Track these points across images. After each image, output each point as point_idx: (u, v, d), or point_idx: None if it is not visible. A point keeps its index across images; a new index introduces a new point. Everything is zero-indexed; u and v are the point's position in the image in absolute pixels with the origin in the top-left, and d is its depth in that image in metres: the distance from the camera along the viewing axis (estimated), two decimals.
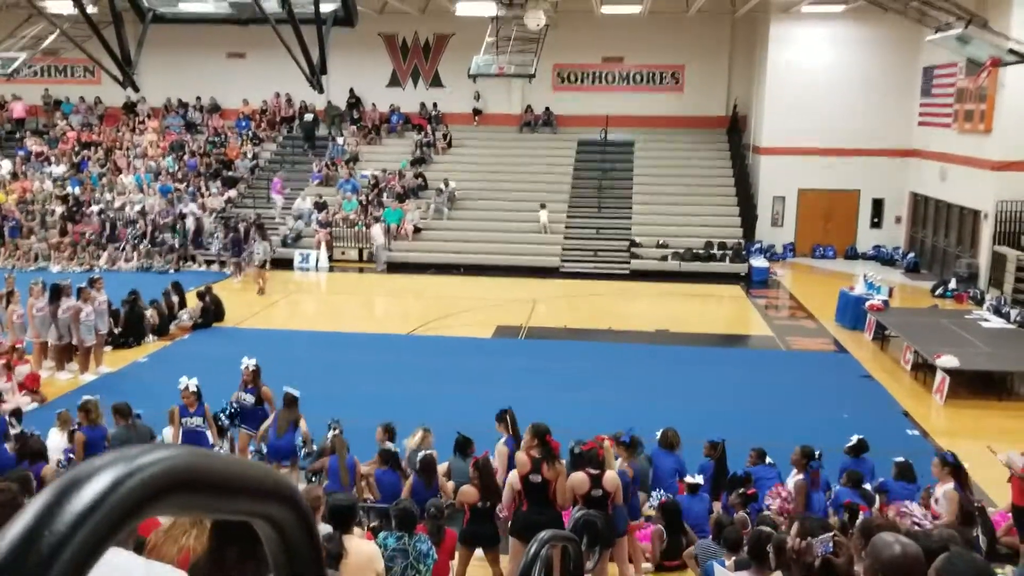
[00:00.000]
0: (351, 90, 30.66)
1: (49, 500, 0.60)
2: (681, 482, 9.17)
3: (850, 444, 9.85)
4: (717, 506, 8.95)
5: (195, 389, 9.86)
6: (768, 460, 9.69)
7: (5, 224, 25.66)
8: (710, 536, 7.79)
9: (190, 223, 25.28)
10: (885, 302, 18.38)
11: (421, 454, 8.82)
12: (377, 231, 25.34)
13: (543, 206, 26.31)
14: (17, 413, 10.47)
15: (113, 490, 0.60)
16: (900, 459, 9.46)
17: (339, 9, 8.51)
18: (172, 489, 0.64)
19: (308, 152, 30.31)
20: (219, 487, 0.70)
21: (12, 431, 9.54)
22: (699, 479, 9.10)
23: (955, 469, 8.37)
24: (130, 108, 31.75)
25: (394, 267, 25.17)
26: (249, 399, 10.41)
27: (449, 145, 30.03)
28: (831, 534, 4.08)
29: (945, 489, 8.16)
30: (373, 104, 31.18)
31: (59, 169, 29.36)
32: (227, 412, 10.47)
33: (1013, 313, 18.43)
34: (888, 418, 13.36)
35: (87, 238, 25.10)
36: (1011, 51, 15.43)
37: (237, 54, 30.76)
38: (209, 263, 24.68)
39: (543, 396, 13.62)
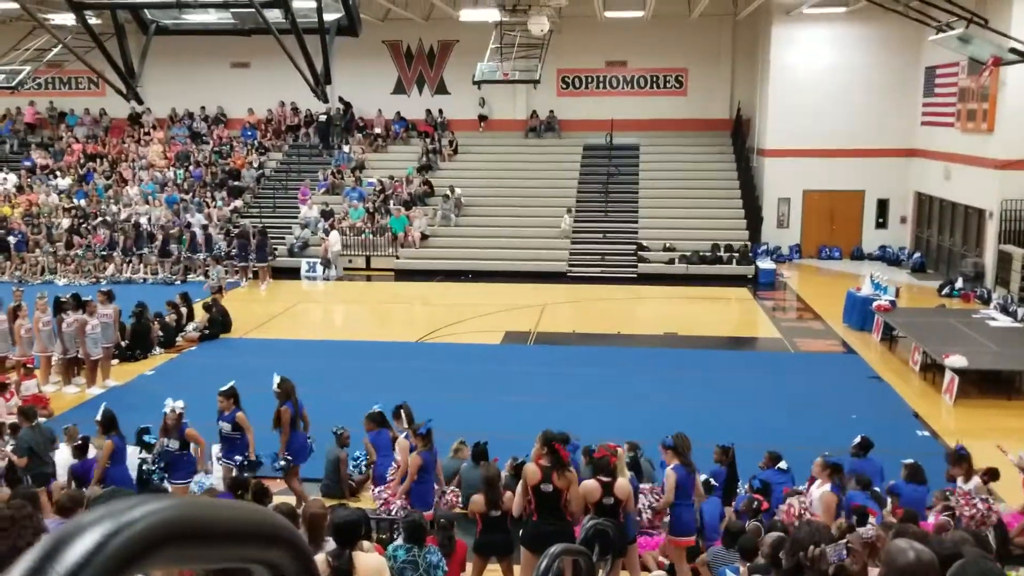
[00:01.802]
0: (339, 97, 30.59)
1: (34, 563, 0.57)
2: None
3: (855, 444, 9.80)
4: (729, 511, 8.89)
5: (179, 412, 9.55)
6: (781, 465, 9.63)
7: (11, 238, 25.70)
8: (720, 541, 7.76)
9: (197, 233, 25.31)
10: (892, 302, 18.31)
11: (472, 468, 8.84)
12: (335, 238, 25.32)
13: (569, 211, 26.51)
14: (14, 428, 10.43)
15: (100, 550, 0.57)
16: (910, 460, 9.39)
17: (343, 18, 8.50)
18: (163, 543, 0.62)
19: (323, 153, 30.32)
20: (213, 536, 0.67)
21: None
22: (712, 481, 9.05)
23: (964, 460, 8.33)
24: (135, 119, 31.85)
25: (402, 274, 25.17)
26: (174, 444, 9.64)
27: (455, 152, 30.05)
28: (845, 541, 4.04)
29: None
30: (379, 110, 31.21)
31: (65, 182, 29.45)
32: (155, 464, 9.75)
33: (1020, 311, 18.35)
34: (898, 419, 13.30)
35: (93, 250, 25.13)
36: (1012, 50, 15.36)
37: (241, 64, 30.85)
38: (235, 273, 24.65)
39: (553, 402, 13.62)
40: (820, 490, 8.16)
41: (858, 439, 9.74)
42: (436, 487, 9.19)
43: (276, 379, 9.95)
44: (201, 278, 24.32)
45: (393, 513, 8.69)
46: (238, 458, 9.46)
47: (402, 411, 9.75)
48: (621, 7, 25.86)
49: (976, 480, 8.63)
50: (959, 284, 21.95)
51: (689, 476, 7.84)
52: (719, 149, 29.27)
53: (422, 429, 8.93)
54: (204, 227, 25.67)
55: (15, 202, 28.12)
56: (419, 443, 8.87)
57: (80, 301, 14.82)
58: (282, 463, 9.58)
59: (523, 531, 7.22)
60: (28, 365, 14.00)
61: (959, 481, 8.81)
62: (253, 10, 7.44)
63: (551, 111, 30.62)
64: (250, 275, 24.20)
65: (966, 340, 15.49)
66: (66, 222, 26.64)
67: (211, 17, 8.58)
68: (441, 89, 31.38)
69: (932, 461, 9.93)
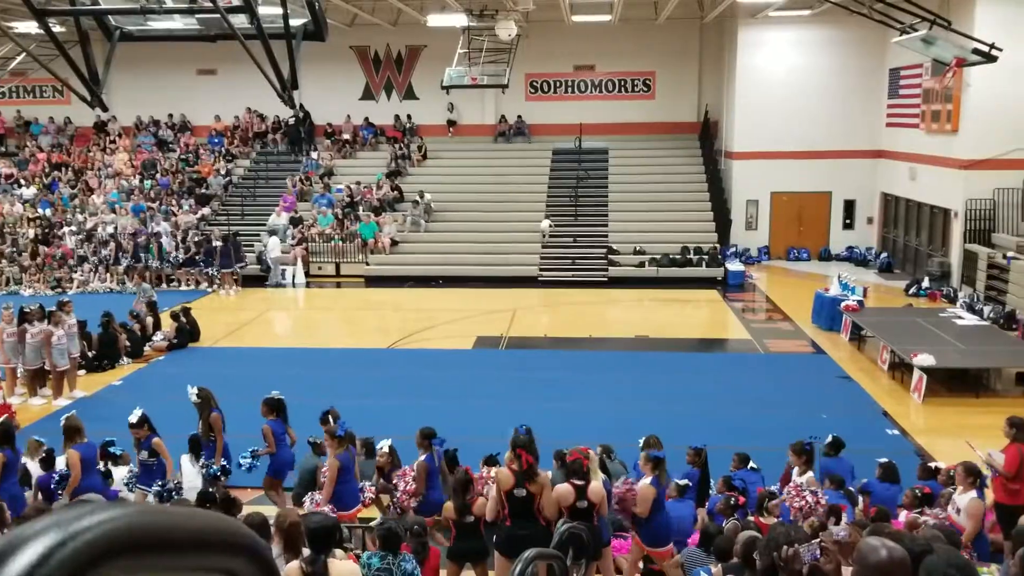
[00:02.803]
0: (299, 105, 30.38)
1: None
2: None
3: (827, 443, 9.85)
4: (702, 513, 8.91)
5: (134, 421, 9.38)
6: (752, 465, 9.68)
7: None
8: (694, 543, 7.77)
9: (165, 242, 25.04)
10: (860, 302, 18.51)
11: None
12: (273, 243, 25.19)
13: (547, 216, 26.65)
14: None
15: (44, 562, 0.54)
16: (884, 460, 9.46)
17: (309, 23, 8.46)
18: (115, 554, 0.58)
19: (293, 153, 30.10)
20: (167, 545, 0.64)
21: None
22: (686, 482, 9.06)
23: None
24: (101, 127, 31.48)
25: (372, 280, 25.07)
26: (143, 455, 9.42)
27: (424, 157, 29.99)
28: (818, 540, 4.06)
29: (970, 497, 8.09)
30: (348, 116, 31.08)
31: (29, 191, 29.03)
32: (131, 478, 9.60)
33: (986, 310, 18.64)
34: (867, 418, 13.42)
35: (59, 260, 24.78)
36: (975, 51, 15.62)
37: (208, 70, 30.60)
38: (197, 282, 24.41)
39: (525, 406, 13.56)
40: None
41: (829, 438, 9.80)
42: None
43: (194, 390, 9.84)
44: (172, 287, 24.10)
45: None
46: (156, 487, 9.19)
47: (330, 416, 9.64)
48: (588, 11, 25.96)
49: (809, 474, 8.66)
50: (926, 283, 22.23)
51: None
52: (687, 152, 29.44)
53: (339, 431, 8.93)
54: (172, 235, 25.45)
55: None
56: (336, 445, 8.81)
57: (45, 312, 14.61)
58: (216, 469, 9.39)
59: (497, 536, 7.20)
60: None
61: (795, 472, 8.89)
62: (219, 16, 7.37)
63: (520, 116, 30.65)
64: (218, 283, 24.00)
65: (933, 339, 15.68)
66: (31, 232, 26.25)
67: (176, 23, 8.49)
68: (409, 94, 31.32)
69: (902, 460, 10.02)
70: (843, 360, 16.65)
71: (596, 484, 6.83)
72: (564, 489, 6.84)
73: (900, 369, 15.24)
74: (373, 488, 9.21)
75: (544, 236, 26.14)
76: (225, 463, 9.57)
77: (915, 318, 17.81)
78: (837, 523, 7.20)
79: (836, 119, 26.81)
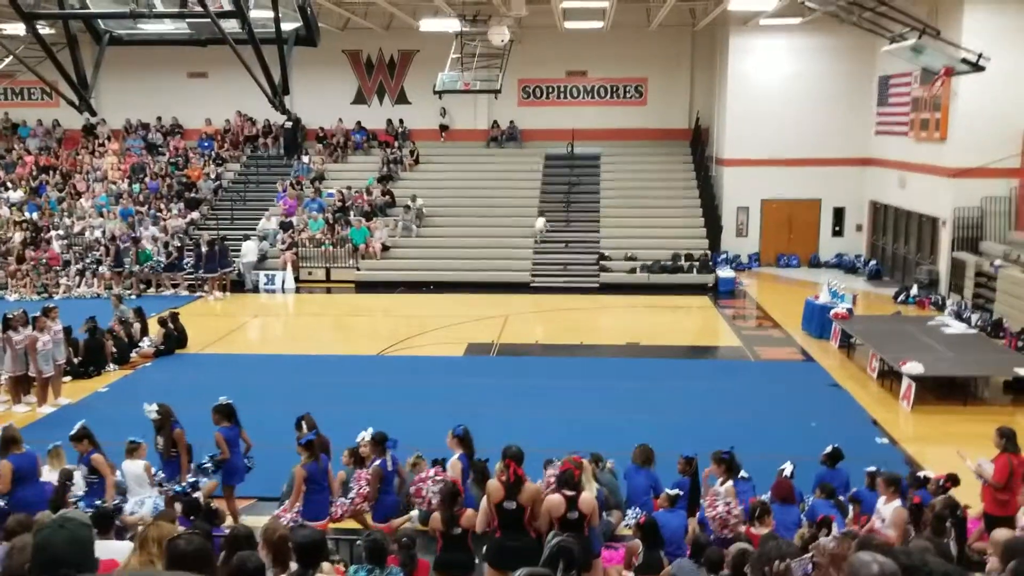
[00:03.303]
0: (291, 112, 30.26)
1: None
2: (656, 498, 9.10)
3: (826, 453, 9.84)
4: (693, 522, 8.88)
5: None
6: (743, 474, 9.64)
7: None
8: (686, 554, 7.74)
9: (148, 246, 24.89)
10: (850, 310, 18.54)
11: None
12: (248, 247, 25.16)
13: (542, 214, 26.77)
14: None
15: None
16: (872, 468, 9.47)
17: (301, 28, 8.41)
18: None
19: (284, 157, 29.97)
20: None
21: None
22: (677, 492, 9.03)
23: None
24: (89, 130, 31.31)
25: (363, 286, 24.99)
26: (83, 471, 9.37)
27: (416, 162, 29.95)
28: (810, 555, 4.03)
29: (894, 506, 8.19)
30: (340, 119, 31.02)
31: (16, 195, 28.83)
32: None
33: (974, 318, 18.69)
34: (857, 426, 13.43)
35: (46, 264, 24.61)
36: (964, 60, 15.67)
37: (198, 74, 30.50)
38: (174, 286, 24.32)
39: (516, 414, 13.56)
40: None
41: (829, 449, 9.79)
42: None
43: (154, 407, 9.71)
44: (160, 292, 23.97)
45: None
46: (98, 502, 9.08)
47: (303, 421, 9.70)
48: (581, 18, 25.96)
49: (729, 483, 8.68)
50: (914, 291, 22.29)
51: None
52: (679, 158, 29.50)
53: (303, 440, 8.90)
54: (154, 239, 25.34)
55: None
56: (305, 453, 8.75)
57: (28, 317, 14.46)
58: (184, 488, 9.20)
59: (487, 548, 7.15)
60: None
61: (718, 482, 8.90)
62: (209, 21, 7.31)
63: (512, 121, 30.66)
64: (206, 288, 23.93)
65: (922, 347, 15.70)
66: (18, 236, 26.07)
67: (166, 27, 8.43)
68: (402, 99, 31.28)
69: (891, 468, 10.00)
70: (833, 368, 16.66)
71: (587, 495, 6.79)
72: (555, 500, 6.80)
73: (889, 377, 15.27)
74: (345, 504, 9.11)
75: (539, 234, 26.16)
76: (193, 479, 9.33)
77: (904, 326, 17.86)
78: (828, 534, 7.18)
79: (826, 127, 26.89)
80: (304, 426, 9.70)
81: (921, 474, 9.39)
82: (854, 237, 27.67)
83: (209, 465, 9.69)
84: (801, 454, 10.12)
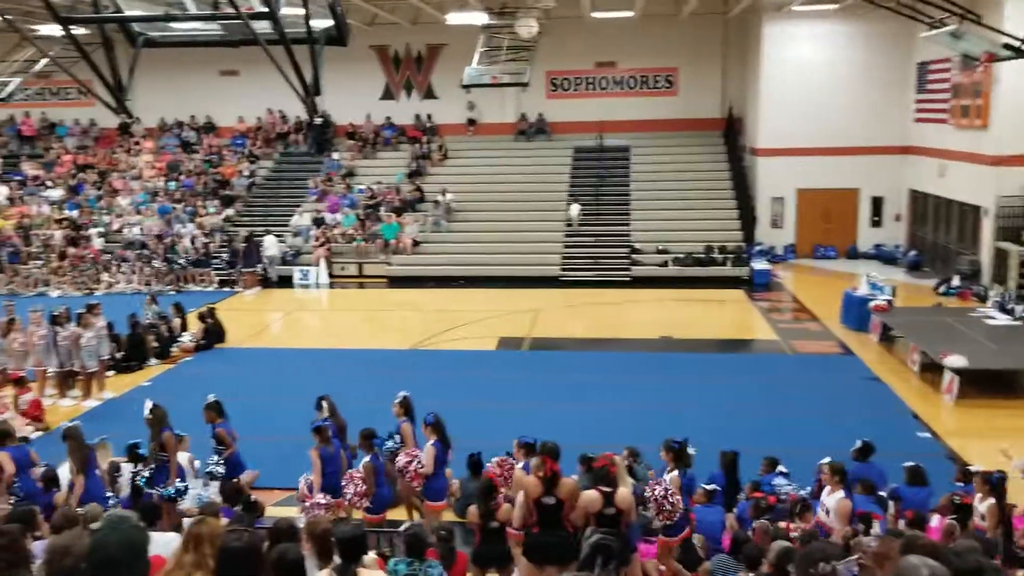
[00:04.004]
0: (323, 111, 30.40)
1: None
2: (691, 495, 9.03)
3: (856, 448, 9.71)
4: (731, 518, 8.81)
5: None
6: (781, 468, 9.55)
7: (3, 250, 25.56)
8: (719, 549, 7.68)
9: (188, 243, 25.23)
10: (889, 302, 18.27)
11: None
12: (269, 241, 25.36)
13: (575, 201, 26.71)
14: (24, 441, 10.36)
15: None
16: (911, 463, 9.30)
17: (331, 28, 8.43)
18: None
19: (314, 155, 30.18)
20: None
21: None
22: (713, 487, 8.96)
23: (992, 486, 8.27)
24: (125, 129, 31.56)
25: (395, 281, 25.09)
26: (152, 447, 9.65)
27: (445, 156, 29.96)
28: (856, 556, 3.96)
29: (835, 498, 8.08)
30: (368, 116, 31.12)
31: (56, 193, 29.27)
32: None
33: (1018, 309, 18.31)
34: (897, 421, 13.24)
35: (86, 261, 25.01)
36: (1006, 46, 15.37)
37: (231, 72, 30.72)
38: (223, 283, 24.59)
39: (548, 409, 13.52)
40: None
41: (859, 443, 9.65)
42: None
43: (149, 405, 9.72)
44: (198, 287, 24.24)
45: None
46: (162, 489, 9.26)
47: (324, 402, 10.11)
48: (610, 7, 25.80)
49: (674, 473, 8.53)
50: (955, 282, 21.92)
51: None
52: (711, 149, 29.23)
53: (313, 425, 9.36)
54: (192, 237, 25.65)
55: (7, 214, 27.93)
56: (318, 438, 9.22)
57: (71, 314, 14.73)
58: (171, 491, 9.16)
59: (524, 542, 7.13)
60: (17, 378, 13.79)
61: (666, 472, 8.80)
62: (241, 22, 7.34)
63: (540, 114, 30.56)
64: (240, 283, 24.23)
65: (964, 339, 15.44)
66: (59, 234, 26.49)
67: (199, 29, 8.49)
68: (429, 94, 31.29)
69: (933, 463, 9.87)
70: (872, 361, 16.43)
71: (624, 491, 6.74)
72: (591, 496, 6.76)
73: (931, 370, 15.01)
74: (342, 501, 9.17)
75: (572, 222, 26.11)
76: (180, 484, 9.26)
77: (945, 318, 17.58)
78: (867, 533, 7.09)
79: (863, 114, 26.49)
80: (324, 406, 10.09)
81: (971, 469, 9.19)
82: (893, 227, 27.26)
83: (219, 469, 9.77)
84: (840, 449, 9.96)
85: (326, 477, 9.18)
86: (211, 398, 10.19)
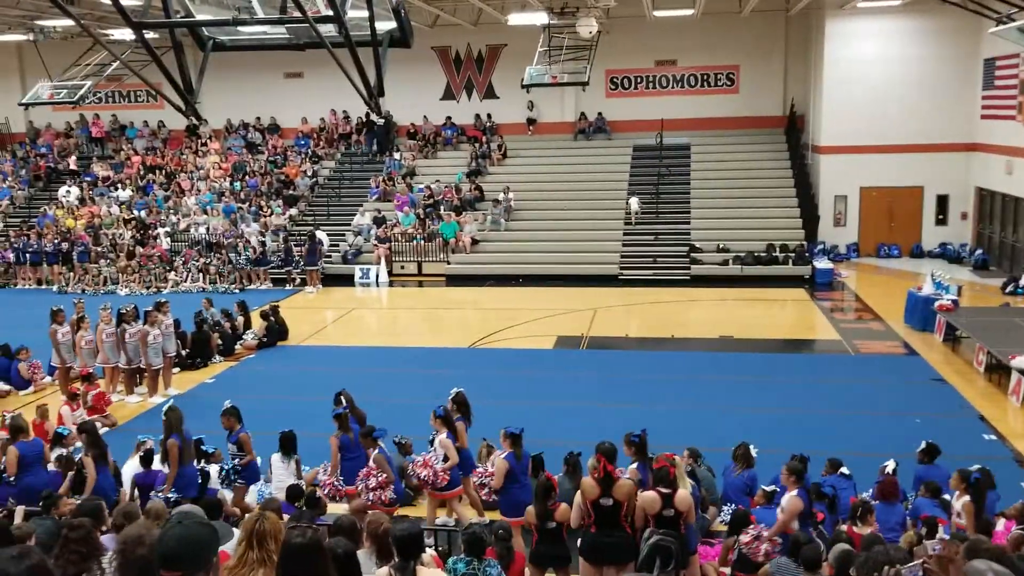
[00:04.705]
0: (387, 111, 30.69)
1: None
2: (752, 497, 8.97)
3: (921, 449, 9.56)
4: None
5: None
6: (843, 470, 9.44)
7: (74, 249, 26.38)
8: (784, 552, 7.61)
9: (254, 242, 25.76)
10: (955, 302, 17.87)
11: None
12: (320, 236, 25.86)
13: (633, 194, 26.80)
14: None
15: None
16: (978, 466, 9.10)
17: (395, 30, 8.53)
18: None
19: (375, 158, 30.56)
20: None
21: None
22: (773, 488, 8.89)
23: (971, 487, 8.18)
24: (192, 131, 32.40)
25: (453, 279, 25.30)
26: (232, 449, 10.06)
27: (504, 156, 30.10)
28: (920, 561, 3.93)
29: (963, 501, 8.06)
30: (424, 117, 31.42)
31: (125, 193, 30.10)
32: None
33: None
34: (963, 422, 12.97)
35: (153, 261, 25.68)
36: None
37: (295, 74, 31.27)
38: (275, 281, 25.10)
39: (606, 408, 13.53)
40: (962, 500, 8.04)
41: (923, 444, 9.50)
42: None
43: (166, 406, 9.99)
44: (264, 287, 24.73)
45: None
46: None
47: (342, 396, 10.53)
48: (670, 6, 25.64)
49: (633, 467, 8.35)
50: (1023, 282, 21.35)
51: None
52: (772, 147, 28.89)
53: (333, 413, 9.89)
54: (258, 236, 26.17)
55: (78, 214, 28.81)
56: (337, 425, 9.83)
57: (138, 312, 15.14)
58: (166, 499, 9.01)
59: (581, 542, 7.18)
60: (85, 375, 14.23)
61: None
62: (307, 24, 7.49)
63: (600, 113, 30.51)
64: (298, 281, 24.75)
65: None
66: (127, 233, 27.24)
67: (266, 33, 8.67)
68: (490, 93, 31.46)
69: (1000, 466, 9.67)
70: (937, 362, 16.11)
71: (683, 492, 6.75)
72: (650, 497, 6.79)
73: (997, 371, 14.69)
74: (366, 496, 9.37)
75: (633, 215, 26.05)
76: (172, 495, 9.12)
77: (1013, 318, 17.15)
78: (932, 535, 6.98)
79: (928, 111, 25.94)
80: (343, 400, 10.43)
81: None
82: (959, 225, 26.64)
83: (238, 476, 9.88)
84: (904, 451, 9.83)
85: (344, 463, 9.67)
86: (228, 404, 10.22)
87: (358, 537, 5.93)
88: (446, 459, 9.37)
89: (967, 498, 8.07)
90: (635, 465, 8.50)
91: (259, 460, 10.37)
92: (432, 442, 9.76)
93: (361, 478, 9.41)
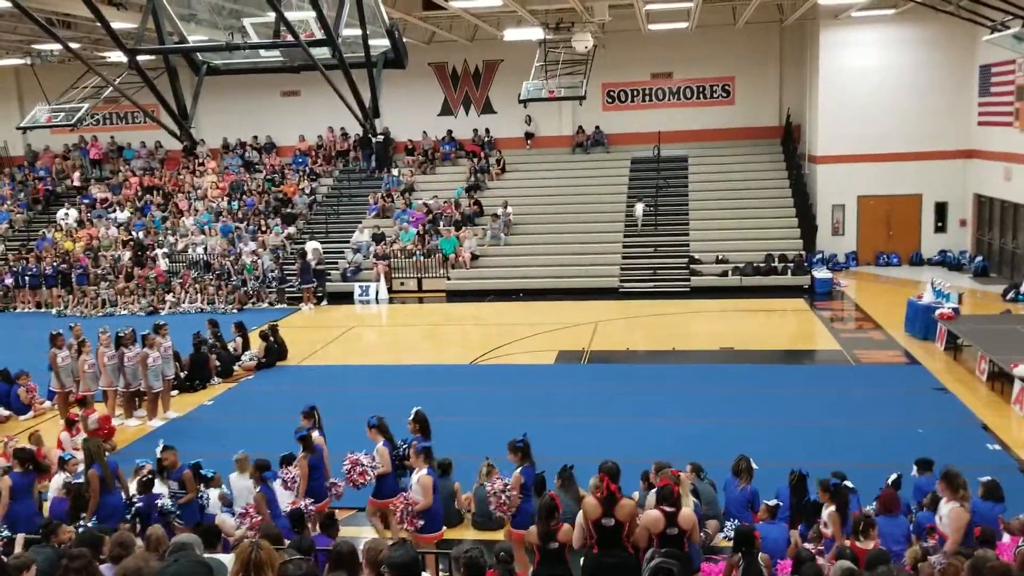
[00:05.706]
0: (385, 129, 30.70)
1: None
2: (755, 512, 8.92)
3: (917, 462, 9.52)
4: (795, 535, 8.68)
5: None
6: (846, 483, 9.37)
7: (73, 272, 26.36)
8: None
9: (251, 261, 25.74)
10: (955, 310, 17.84)
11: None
12: (311, 245, 25.80)
13: (639, 200, 26.83)
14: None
15: None
16: (987, 478, 9.01)
17: (389, 51, 8.55)
18: None
19: (373, 175, 30.59)
20: None
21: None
22: (776, 503, 8.84)
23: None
24: (190, 151, 32.44)
25: (454, 295, 25.28)
26: (173, 486, 9.77)
27: (503, 170, 30.14)
28: None
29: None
30: (424, 132, 31.49)
31: (123, 215, 30.12)
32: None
33: None
34: (966, 432, 12.92)
35: (152, 282, 25.64)
36: None
37: (292, 92, 31.36)
38: (272, 301, 25.07)
39: (609, 423, 13.49)
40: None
41: (917, 460, 9.47)
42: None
43: (158, 450, 9.98)
44: (261, 306, 24.69)
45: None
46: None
47: (314, 411, 10.47)
48: (665, 19, 25.72)
49: (517, 472, 8.77)
50: None
51: None
52: (769, 157, 28.94)
53: (297, 435, 9.70)
54: (257, 255, 26.16)
55: (76, 236, 28.82)
56: (302, 446, 9.65)
57: (136, 334, 15.09)
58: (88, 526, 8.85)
59: (584, 562, 7.13)
60: (80, 400, 14.18)
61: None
62: (301, 48, 7.51)
63: (597, 126, 30.58)
64: (304, 299, 24.69)
65: None
66: (126, 255, 27.23)
67: (260, 56, 8.68)
68: (487, 109, 31.54)
69: (1004, 476, 9.60)
70: (939, 371, 16.06)
71: (687, 511, 6.72)
72: (654, 516, 6.75)
73: (1000, 380, 14.63)
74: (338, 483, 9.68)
75: (638, 221, 26.11)
76: (91, 524, 8.78)
77: (1014, 326, 17.10)
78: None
79: (924, 119, 25.99)
80: (316, 415, 10.42)
81: None
82: (958, 233, 26.63)
83: (174, 517, 9.47)
84: (907, 462, 9.76)
85: (312, 482, 9.57)
86: (161, 444, 10.10)
87: (358, 564, 5.88)
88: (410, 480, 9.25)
89: (832, 508, 8.18)
90: (518, 471, 8.70)
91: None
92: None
93: (344, 479, 9.50)
